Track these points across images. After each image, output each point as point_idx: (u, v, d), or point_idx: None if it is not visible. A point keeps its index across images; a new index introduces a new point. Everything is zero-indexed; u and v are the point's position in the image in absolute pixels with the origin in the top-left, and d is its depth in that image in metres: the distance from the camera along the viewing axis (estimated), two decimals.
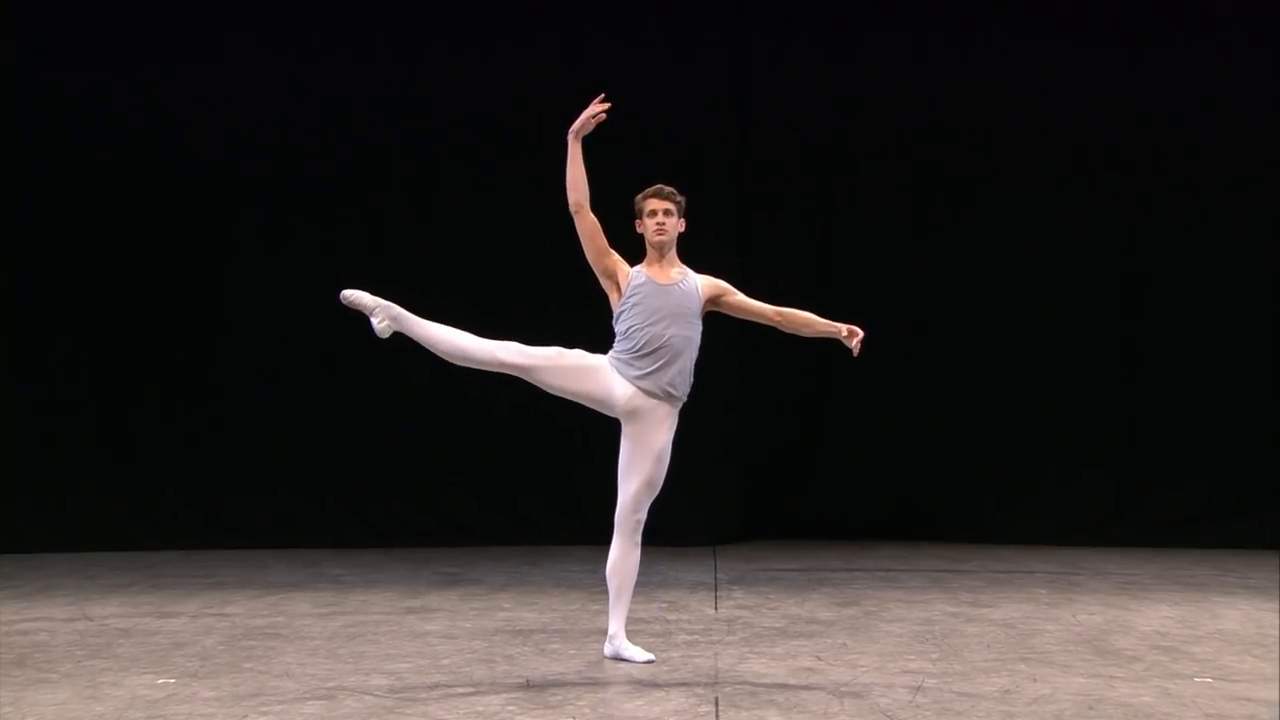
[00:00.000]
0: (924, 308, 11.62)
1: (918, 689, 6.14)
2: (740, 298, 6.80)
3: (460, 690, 6.17)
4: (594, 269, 6.67)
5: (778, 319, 6.85)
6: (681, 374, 6.59)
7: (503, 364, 6.50)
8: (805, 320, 6.83)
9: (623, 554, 6.65)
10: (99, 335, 11.39)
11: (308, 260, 11.33)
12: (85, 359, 11.39)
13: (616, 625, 6.75)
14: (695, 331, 6.65)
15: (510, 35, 11.47)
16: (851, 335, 6.74)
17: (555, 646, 7.15)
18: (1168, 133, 11.41)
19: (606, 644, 6.80)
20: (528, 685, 6.27)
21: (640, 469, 6.59)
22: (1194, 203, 11.45)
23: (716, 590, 9.06)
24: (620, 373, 6.53)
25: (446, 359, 6.57)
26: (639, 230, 6.72)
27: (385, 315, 6.49)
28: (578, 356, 6.57)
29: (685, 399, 6.65)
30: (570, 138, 6.56)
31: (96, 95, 11.28)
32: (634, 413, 6.56)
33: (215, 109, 11.36)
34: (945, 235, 11.61)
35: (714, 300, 6.74)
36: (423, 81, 11.46)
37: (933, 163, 11.60)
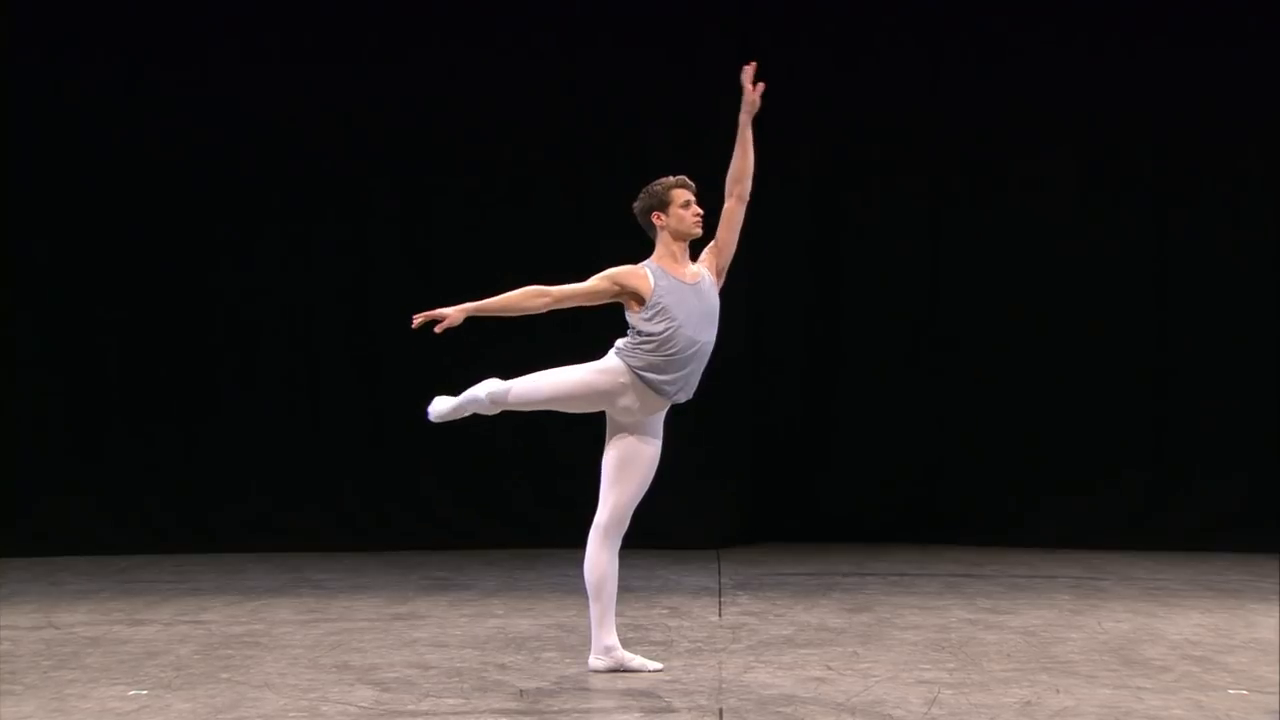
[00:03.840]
0: (942, 307, 11.65)
1: (933, 700, 6.14)
2: (723, 237, 6.74)
3: (450, 702, 6.17)
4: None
5: (738, 189, 6.69)
6: (698, 379, 6.61)
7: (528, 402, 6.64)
8: (739, 166, 6.68)
9: (609, 560, 6.62)
10: (73, 333, 11.39)
11: (291, 261, 11.51)
12: (57, 356, 11.38)
13: (613, 637, 6.72)
14: (715, 333, 6.63)
15: (509, 40, 11.49)
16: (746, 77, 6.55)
17: (550, 655, 7.15)
18: (1195, 133, 11.41)
19: (601, 658, 6.70)
20: (521, 697, 6.28)
21: (640, 471, 6.60)
22: (1216, 207, 11.45)
23: (721, 596, 9.07)
24: (641, 376, 6.47)
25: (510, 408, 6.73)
26: (658, 222, 6.61)
27: (488, 403, 6.72)
28: (581, 384, 6.53)
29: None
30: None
31: (85, 101, 11.35)
32: (640, 415, 6.56)
33: (197, 115, 11.42)
34: (964, 235, 11.65)
35: (719, 271, 6.75)
36: (416, 84, 11.48)
37: (948, 164, 11.63)
